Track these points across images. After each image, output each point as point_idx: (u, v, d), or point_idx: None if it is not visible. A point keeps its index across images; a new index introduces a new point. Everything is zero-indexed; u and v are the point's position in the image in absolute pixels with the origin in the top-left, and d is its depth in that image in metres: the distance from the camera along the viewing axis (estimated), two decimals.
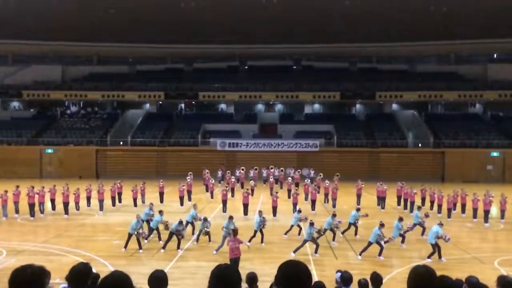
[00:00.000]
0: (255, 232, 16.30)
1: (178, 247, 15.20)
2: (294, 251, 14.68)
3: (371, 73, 49.66)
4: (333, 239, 16.67)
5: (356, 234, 17.33)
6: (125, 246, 15.12)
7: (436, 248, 14.29)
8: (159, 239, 16.25)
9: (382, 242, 14.33)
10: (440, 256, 14.27)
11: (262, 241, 16.22)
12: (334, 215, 16.63)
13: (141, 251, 14.99)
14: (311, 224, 14.82)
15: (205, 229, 15.95)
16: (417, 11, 39.22)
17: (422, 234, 17.46)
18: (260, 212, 16.91)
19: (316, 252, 14.72)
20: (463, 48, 49.27)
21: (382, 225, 14.59)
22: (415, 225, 17.45)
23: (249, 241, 15.70)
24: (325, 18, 41.07)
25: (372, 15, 40.11)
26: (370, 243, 14.42)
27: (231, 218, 15.71)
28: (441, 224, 14.76)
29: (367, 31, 43.65)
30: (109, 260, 13.84)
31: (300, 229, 17.36)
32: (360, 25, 42.36)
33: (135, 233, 15.13)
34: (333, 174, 29.86)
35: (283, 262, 2.63)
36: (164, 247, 15.12)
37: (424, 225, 17.54)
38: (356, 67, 51.50)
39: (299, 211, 17.74)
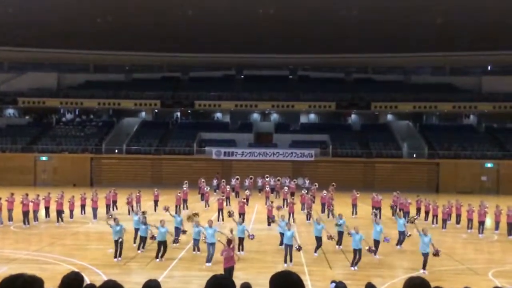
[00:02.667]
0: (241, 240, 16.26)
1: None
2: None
3: (367, 83, 49.94)
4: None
5: (340, 243, 17.37)
6: (120, 255, 15.04)
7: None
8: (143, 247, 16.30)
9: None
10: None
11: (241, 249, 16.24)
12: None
13: (120, 259, 14.92)
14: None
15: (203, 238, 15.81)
16: (412, 22, 39.55)
17: (397, 244, 17.55)
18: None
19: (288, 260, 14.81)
20: (457, 60, 49.67)
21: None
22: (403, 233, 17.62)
23: (239, 250, 15.80)
24: (322, 28, 41.33)
25: (368, 26, 40.42)
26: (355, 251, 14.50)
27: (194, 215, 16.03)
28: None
29: (363, 42, 43.96)
30: (102, 269, 13.73)
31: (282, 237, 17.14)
32: (356, 36, 42.67)
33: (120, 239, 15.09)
34: (328, 183, 29.85)
35: (274, 273, 2.61)
36: (157, 257, 14.98)
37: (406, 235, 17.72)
38: (351, 77, 51.79)
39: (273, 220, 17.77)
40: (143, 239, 16.16)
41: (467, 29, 40.37)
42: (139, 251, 16.05)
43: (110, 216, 16.29)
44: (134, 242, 17.06)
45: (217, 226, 15.74)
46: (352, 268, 14.27)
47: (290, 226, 15.56)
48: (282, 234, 16.46)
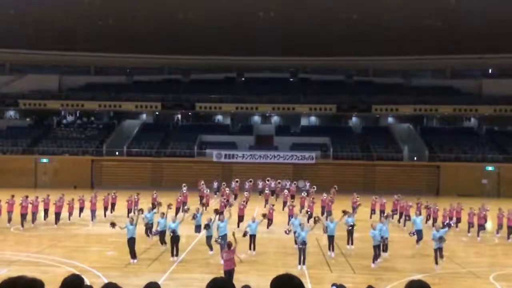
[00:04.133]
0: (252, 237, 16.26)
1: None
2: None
3: (367, 86, 49.94)
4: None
5: (351, 243, 17.36)
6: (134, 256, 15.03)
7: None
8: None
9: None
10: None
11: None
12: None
13: (135, 261, 14.86)
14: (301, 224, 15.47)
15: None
16: (413, 25, 39.61)
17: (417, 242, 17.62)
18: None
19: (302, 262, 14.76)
20: (458, 63, 49.72)
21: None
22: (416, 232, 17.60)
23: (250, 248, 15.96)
24: (322, 31, 41.41)
25: (369, 29, 40.48)
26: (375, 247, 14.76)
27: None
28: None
29: (363, 44, 44.00)
30: (102, 271, 13.71)
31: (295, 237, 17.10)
32: (356, 38, 42.72)
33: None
34: (328, 186, 29.80)
35: (276, 276, 2.61)
36: (173, 254, 15.13)
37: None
38: (352, 80, 51.80)
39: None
40: (163, 233, 16.48)
41: (468, 32, 40.43)
42: (163, 247, 16.41)
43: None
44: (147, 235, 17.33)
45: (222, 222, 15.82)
46: (373, 265, 14.50)
47: (304, 226, 15.47)
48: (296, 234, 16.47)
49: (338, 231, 17.94)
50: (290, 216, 22.34)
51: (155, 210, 19.48)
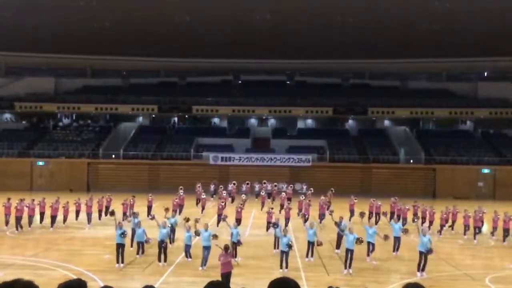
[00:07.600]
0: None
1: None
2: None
3: (364, 89, 50.06)
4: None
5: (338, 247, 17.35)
6: (119, 261, 14.87)
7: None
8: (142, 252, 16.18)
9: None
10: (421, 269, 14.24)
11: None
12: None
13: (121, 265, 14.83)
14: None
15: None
16: (409, 29, 39.78)
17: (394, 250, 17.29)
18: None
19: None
20: (454, 66, 49.90)
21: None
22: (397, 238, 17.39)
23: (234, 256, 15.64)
24: (319, 34, 41.51)
25: (365, 32, 40.60)
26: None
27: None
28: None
29: (360, 47, 44.12)
30: (98, 274, 13.66)
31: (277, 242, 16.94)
32: (353, 41, 42.83)
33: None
34: (325, 189, 29.80)
35: (273, 280, 2.61)
36: (159, 260, 14.91)
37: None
38: (348, 83, 51.91)
39: (275, 226, 17.44)
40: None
41: (464, 35, 40.59)
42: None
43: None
44: (132, 246, 16.96)
45: (212, 230, 15.59)
46: (345, 271, 14.20)
47: (286, 232, 15.44)
48: (278, 239, 16.38)
49: (332, 233, 17.97)
50: (287, 219, 22.36)
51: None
